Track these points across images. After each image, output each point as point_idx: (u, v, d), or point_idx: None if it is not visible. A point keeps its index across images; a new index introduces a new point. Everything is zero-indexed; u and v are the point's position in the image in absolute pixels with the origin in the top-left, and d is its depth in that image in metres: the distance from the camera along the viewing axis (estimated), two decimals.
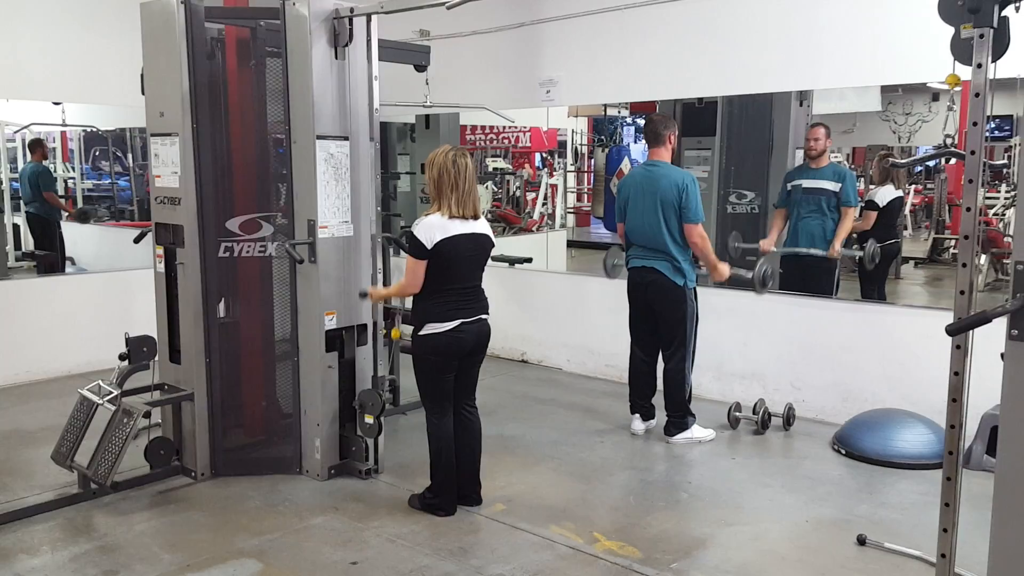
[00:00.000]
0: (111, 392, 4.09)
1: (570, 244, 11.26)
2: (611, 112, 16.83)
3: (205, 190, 4.23)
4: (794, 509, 4.03)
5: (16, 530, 3.76)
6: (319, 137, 4.11)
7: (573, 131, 14.17)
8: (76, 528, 3.80)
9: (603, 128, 18.67)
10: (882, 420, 4.76)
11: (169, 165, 4.23)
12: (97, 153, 10.92)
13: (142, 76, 4.47)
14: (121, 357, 4.20)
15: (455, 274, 3.73)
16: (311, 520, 3.88)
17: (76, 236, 9.00)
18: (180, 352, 4.37)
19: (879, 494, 4.21)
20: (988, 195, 12.46)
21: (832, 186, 5.84)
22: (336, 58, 4.16)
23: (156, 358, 4.37)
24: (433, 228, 3.64)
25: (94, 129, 10.29)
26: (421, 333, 3.76)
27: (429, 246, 3.62)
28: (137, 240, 4.91)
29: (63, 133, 10.30)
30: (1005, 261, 10.22)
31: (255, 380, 4.52)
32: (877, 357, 5.18)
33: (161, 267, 4.38)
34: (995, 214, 11.73)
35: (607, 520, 3.91)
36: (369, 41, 4.22)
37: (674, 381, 4.89)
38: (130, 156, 10.97)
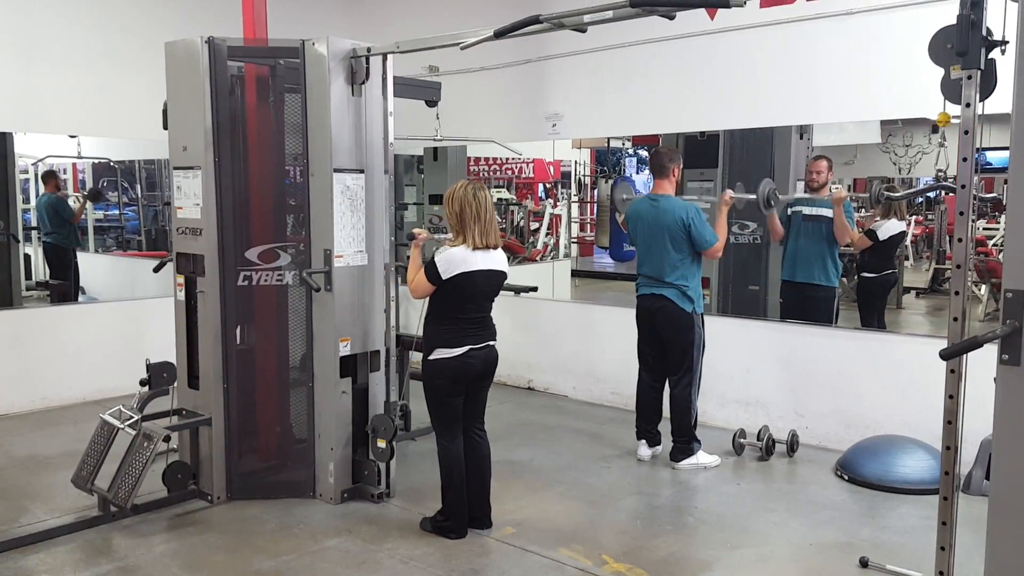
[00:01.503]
0: (131, 417, 4.21)
1: (574, 273, 11.40)
2: (614, 144, 17.07)
3: (225, 221, 4.37)
4: (798, 533, 4.12)
5: (38, 551, 3.85)
6: (336, 170, 4.27)
7: (576, 162, 14.40)
8: (97, 550, 3.89)
9: (606, 159, 18.91)
10: (884, 446, 4.86)
11: (191, 197, 4.38)
12: (104, 184, 11.12)
13: (164, 111, 4.64)
14: (142, 383, 4.32)
15: (467, 306, 3.87)
16: (325, 542, 3.98)
17: (86, 266, 9.16)
18: (199, 378, 4.48)
19: (881, 518, 4.29)
20: (987, 226, 12.64)
21: (831, 214, 5.96)
22: (353, 95, 4.32)
23: (175, 384, 4.49)
24: (454, 262, 3.78)
25: (107, 161, 10.49)
26: (431, 358, 3.89)
27: (443, 277, 3.76)
28: (157, 269, 5.04)
29: (74, 165, 10.52)
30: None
31: (271, 405, 4.64)
32: (879, 384, 5.28)
33: (182, 295, 4.51)
34: (994, 245, 11.89)
35: (615, 543, 4.00)
36: (385, 78, 4.39)
37: (680, 407, 4.99)
38: (138, 187, 11.20)
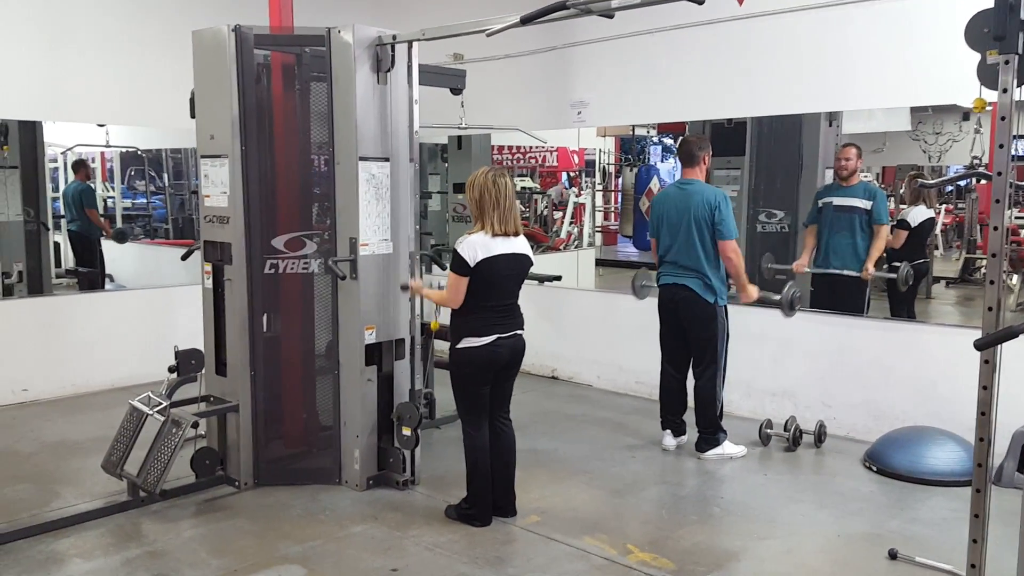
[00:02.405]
0: (160, 403, 4.25)
1: (598, 263, 11.36)
2: (639, 132, 16.95)
3: (252, 209, 4.39)
4: (826, 524, 4.08)
5: (69, 535, 3.91)
6: (361, 158, 4.27)
7: (601, 151, 14.32)
8: (126, 534, 3.94)
9: (630, 148, 18.79)
10: (913, 437, 4.80)
11: (219, 185, 4.40)
12: (132, 173, 11.22)
13: (191, 100, 4.66)
14: (170, 369, 4.36)
15: (493, 292, 3.86)
16: (351, 528, 4.00)
17: (114, 254, 9.26)
18: (226, 365, 4.52)
19: (910, 510, 4.25)
20: (1019, 215, 12.42)
21: (863, 204, 5.87)
22: (378, 83, 4.32)
23: (203, 371, 4.52)
24: (476, 247, 3.77)
25: (134, 150, 10.59)
26: (459, 346, 3.89)
27: (472, 264, 3.75)
28: (185, 257, 5.07)
29: (102, 153, 10.62)
30: None
31: (297, 393, 4.67)
32: (908, 375, 5.22)
33: (209, 283, 4.54)
34: None
35: (640, 532, 3.99)
36: (410, 66, 4.38)
37: (705, 398, 4.96)
38: (165, 176, 11.29)
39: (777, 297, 5.14)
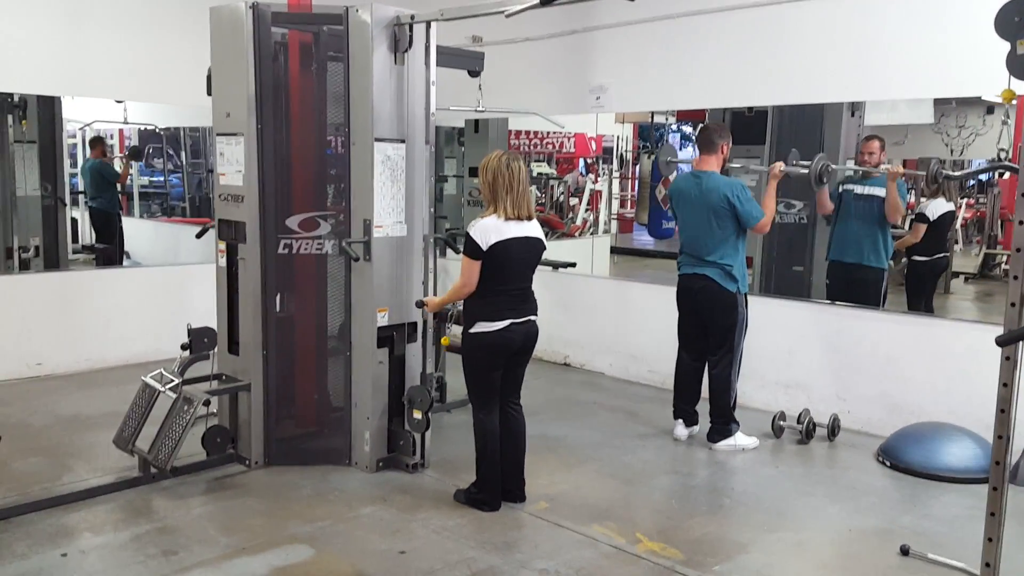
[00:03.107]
0: (172, 380, 4.26)
1: (613, 250, 11.30)
2: (658, 119, 16.78)
3: (267, 188, 4.38)
4: (837, 518, 4.05)
5: (80, 509, 3.93)
6: (377, 139, 4.24)
7: (618, 137, 14.21)
8: (136, 510, 3.96)
9: (649, 135, 18.63)
10: (928, 433, 4.75)
11: (234, 164, 4.39)
12: (150, 151, 11.25)
13: (208, 77, 4.65)
14: (183, 347, 4.37)
15: (507, 276, 3.83)
16: (360, 510, 4.00)
17: (131, 231, 9.30)
18: (239, 344, 4.52)
19: (923, 506, 4.20)
20: None
21: (883, 193, 5.81)
22: (395, 63, 4.28)
23: (215, 349, 4.52)
24: (488, 230, 3.74)
25: (152, 127, 10.60)
26: (472, 331, 3.87)
27: (484, 247, 3.72)
28: (200, 235, 5.08)
29: (120, 131, 10.64)
30: None
31: (308, 373, 4.67)
32: (925, 370, 5.16)
33: (223, 262, 4.53)
34: None
35: (649, 522, 3.97)
36: (428, 47, 4.33)
37: (720, 387, 4.93)
38: (183, 154, 11.31)
39: (805, 170, 5.18)
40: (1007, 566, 3.46)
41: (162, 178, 11.29)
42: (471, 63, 5.53)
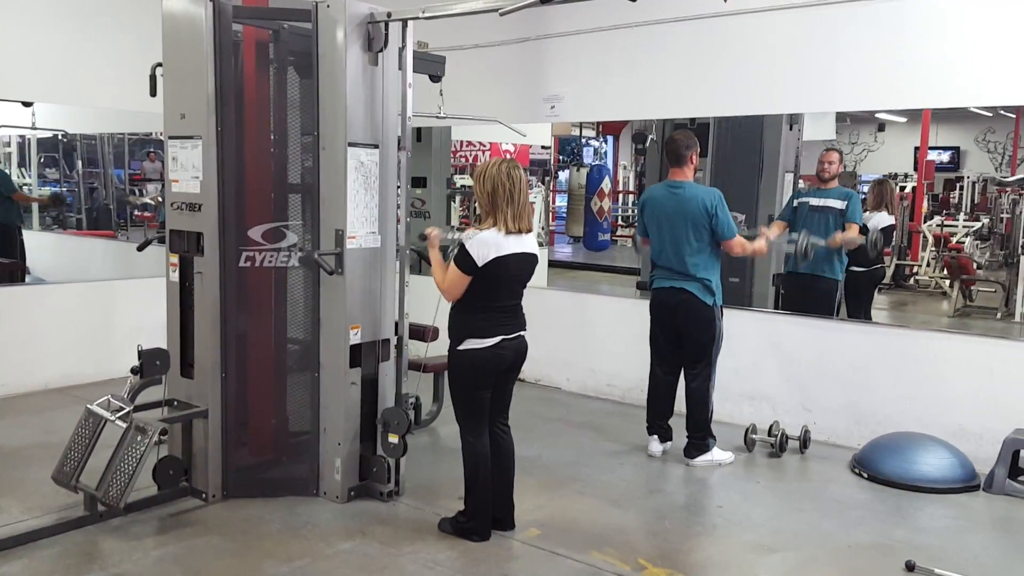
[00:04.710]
0: (122, 408, 3.85)
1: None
2: (574, 132, 16.86)
3: (227, 196, 4.02)
4: (833, 535, 3.97)
5: (21, 556, 3.48)
6: (351, 144, 3.96)
7: (547, 148, 14.15)
8: (87, 554, 3.54)
9: (568, 149, 18.70)
10: (903, 443, 4.75)
11: (189, 169, 4.02)
12: (42, 160, 10.55)
13: (152, 76, 4.28)
14: (133, 371, 3.96)
15: (500, 292, 3.61)
16: (339, 545, 3.69)
17: (31, 244, 8.63)
18: (193, 366, 4.13)
19: (911, 519, 4.18)
20: (946, 223, 12.82)
21: (839, 204, 5.86)
22: (369, 63, 4.01)
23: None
24: (488, 245, 3.50)
25: (59, 134, 9.92)
26: (460, 348, 3.62)
27: (480, 264, 3.48)
28: (141, 248, 4.65)
29: (22, 137, 9.92)
30: (972, 288, 10.48)
31: (271, 397, 4.31)
32: (890, 380, 5.18)
33: (175, 276, 4.15)
34: (958, 241, 12.05)
35: (647, 545, 3.80)
36: (404, 47, 4.08)
37: (698, 401, 4.82)
38: (79, 163, 10.63)
39: (792, 248, 5.32)
40: (1001, 574, 3.47)
41: (57, 188, 10.63)
42: (432, 68, 5.31)
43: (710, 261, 4.71)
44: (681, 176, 4.82)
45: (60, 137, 10.09)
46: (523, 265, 3.63)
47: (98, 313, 6.38)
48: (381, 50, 4.02)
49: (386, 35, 3.99)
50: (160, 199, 9.77)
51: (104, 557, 3.52)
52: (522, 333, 3.75)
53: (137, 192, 11.20)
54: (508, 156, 10.90)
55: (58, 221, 10.48)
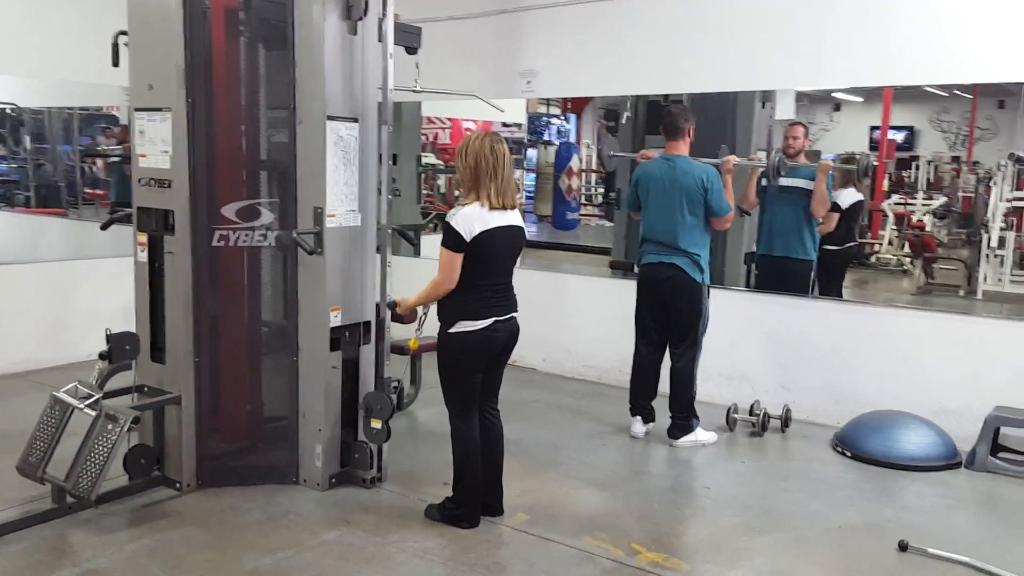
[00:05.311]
0: (91, 395, 3.65)
1: None
2: (542, 110, 16.70)
3: (198, 172, 3.82)
4: (821, 514, 3.95)
5: None
6: (329, 118, 3.78)
7: (510, 126, 13.96)
8: (57, 549, 3.36)
9: (540, 126, 18.54)
10: (885, 422, 4.76)
11: (158, 144, 3.81)
12: None
13: (115, 45, 4.04)
14: (101, 356, 3.77)
15: (490, 269, 3.48)
16: (323, 535, 3.56)
17: None
18: (164, 351, 3.95)
19: (897, 497, 4.18)
20: (909, 202, 12.97)
21: (808, 185, 5.77)
22: (349, 32, 3.84)
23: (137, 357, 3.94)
24: (472, 219, 3.38)
25: (12, 106, 9.51)
26: (452, 331, 3.49)
27: (468, 238, 3.36)
28: (105, 227, 4.42)
29: None
30: (935, 266, 10.62)
31: (247, 382, 4.14)
32: (869, 358, 5.19)
33: (144, 256, 3.94)
34: (919, 219, 12.20)
35: (638, 529, 3.73)
36: (384, 15, 3.91)
37: (683, 381, 4.77)
38: (27, 139, 10.22)
39: (762, 166, 5.31)
40: (991, 552, 3.47)
41: (5, 167, 10.23)
42: (409, 39, 5.08)
43: (702, 238, 4.65)
44: (676, 150, 4.74)
45: (10, 111, 9.68)
46: (510, 238, 3.51)
47: (56, 295, 6.11)
48: (360, 18, 3.85)
49: (366, 3, 3.82)
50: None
51: (75, 552, 3.35)
52: (514, 314, 3.63)
53: (88, 170, 10.82)
54: (470, 132, 10.76)
55: (5, 199, 10.08)
